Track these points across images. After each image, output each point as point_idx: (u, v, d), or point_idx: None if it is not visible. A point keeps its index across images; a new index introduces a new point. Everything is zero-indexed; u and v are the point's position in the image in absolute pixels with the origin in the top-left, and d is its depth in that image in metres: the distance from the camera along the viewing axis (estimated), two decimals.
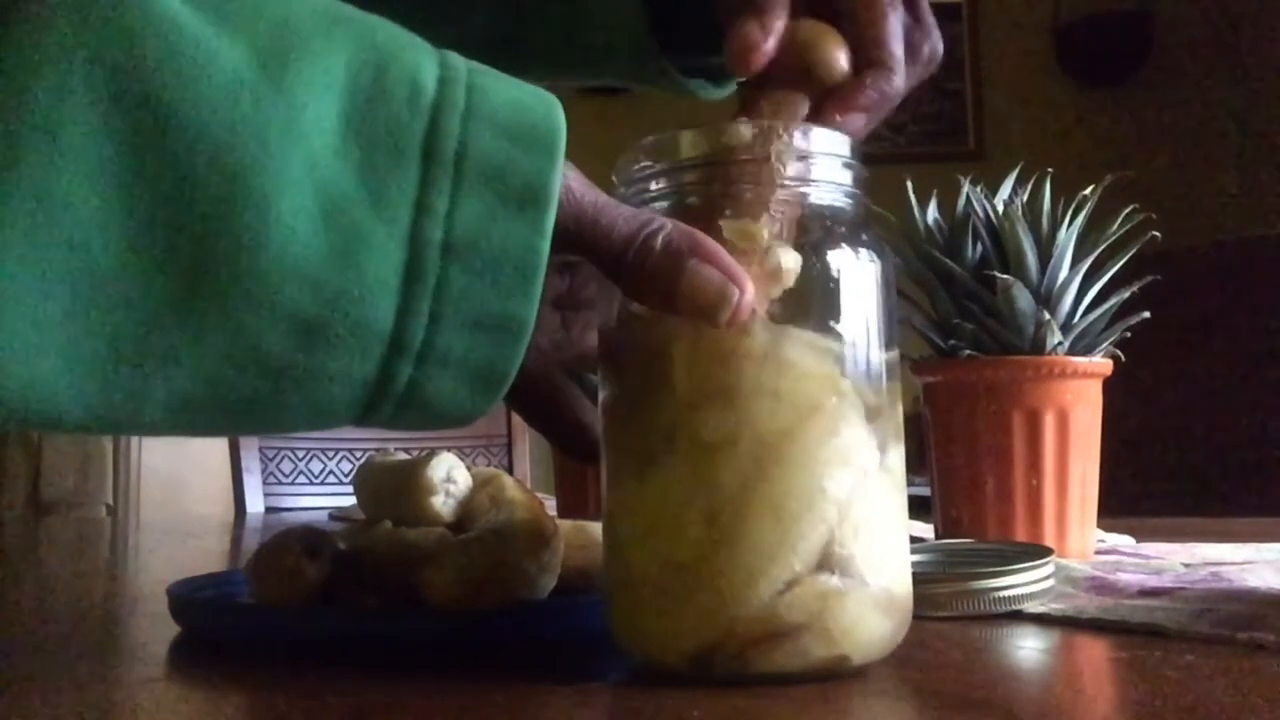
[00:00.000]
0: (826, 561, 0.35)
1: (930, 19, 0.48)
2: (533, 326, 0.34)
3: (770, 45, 0.43)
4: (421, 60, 0.34)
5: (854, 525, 0.35)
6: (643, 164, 0.38)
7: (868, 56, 0.44)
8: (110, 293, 0.30)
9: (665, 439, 0.36)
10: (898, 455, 0.38)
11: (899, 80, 0.44)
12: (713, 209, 0.37)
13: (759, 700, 0.33)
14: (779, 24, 0.44)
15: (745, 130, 0.37)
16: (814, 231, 0.37)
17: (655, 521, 0.36)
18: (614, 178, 0.39)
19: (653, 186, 0.38)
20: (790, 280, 0.36)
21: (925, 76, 0.47)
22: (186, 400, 0.32)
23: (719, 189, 0.37)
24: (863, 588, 0.35)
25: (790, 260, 0.36)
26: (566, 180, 0.35)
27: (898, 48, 0.45)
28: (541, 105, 0.34)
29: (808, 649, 0.34)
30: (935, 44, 0.47)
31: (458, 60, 0.34)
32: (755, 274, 0.36)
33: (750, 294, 0.35)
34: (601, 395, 0.39)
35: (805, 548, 0.34)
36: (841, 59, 0.44)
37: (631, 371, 0.38)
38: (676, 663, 0.35)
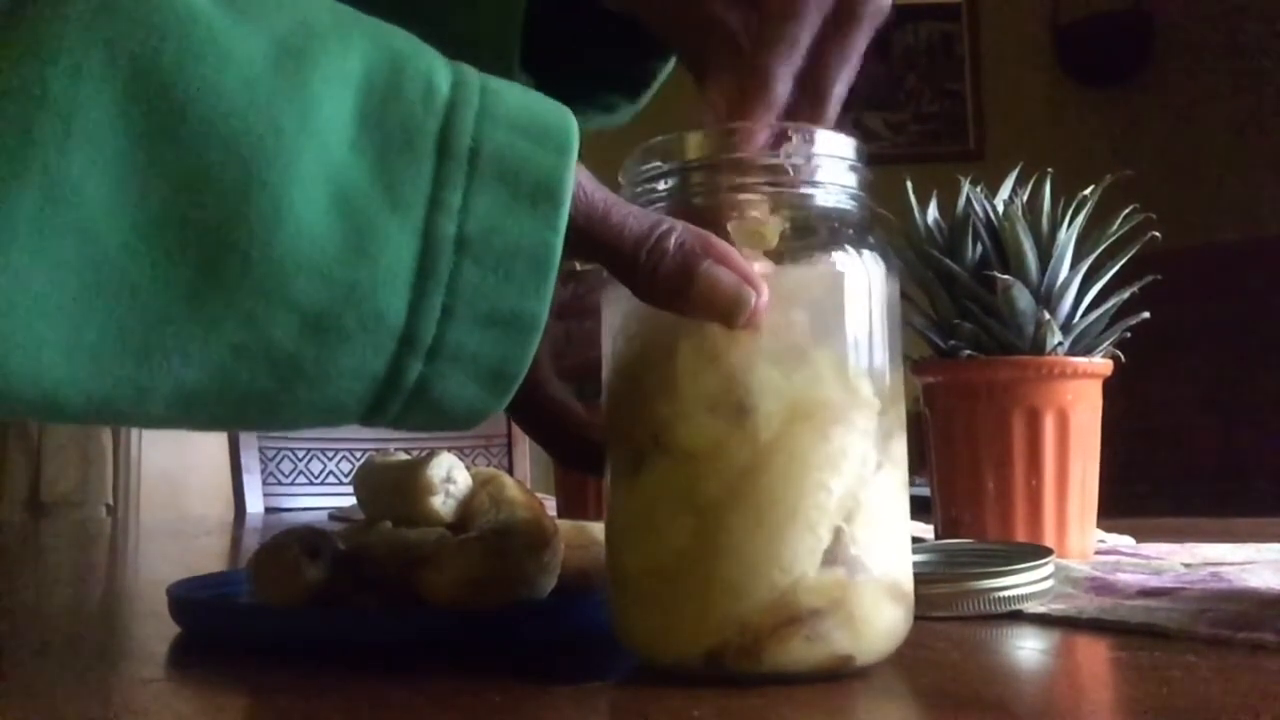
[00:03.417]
0: (839, 558, 0.35)
1: None
2: (545, 324, 0.34)
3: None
4: (436, 63, 0.34)
5: (865, 522, 0.35)
6: (649, 165, 0.38)
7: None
8: (118, 282, 0.30)
9: (654, 440, 0.36)
10: (901, 450, 0.38)
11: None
12: (719, 210, 0.37)
13: (760, 699, 0.33)
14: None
15: (753, 132, 0.37)
16: (820, 233, 0.37)
17: (644, 522, 0.36)
18: (620, 178, 0.39)
19: (659, 187, 0.38)
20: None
21: (876, 25, 0.46)
22: (193, 393, 0.32)
23: (726, 190, 0.37)
24: (876, 583, 0.35)
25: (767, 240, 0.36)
26: (577, 179, 0.34)
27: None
28: (554, 107, 0.35)
29: (828, 635, 0.34)
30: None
31: (470, 68, 0.35)
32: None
33: (766, 296, 0.35)
34: (605, 380, 0.39)
35: (790, 557, 0.34)
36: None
37: (634, 366, 0.38)
38: (685, 661, 0.35)
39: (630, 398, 0.37)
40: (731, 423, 0.35)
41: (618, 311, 0.38)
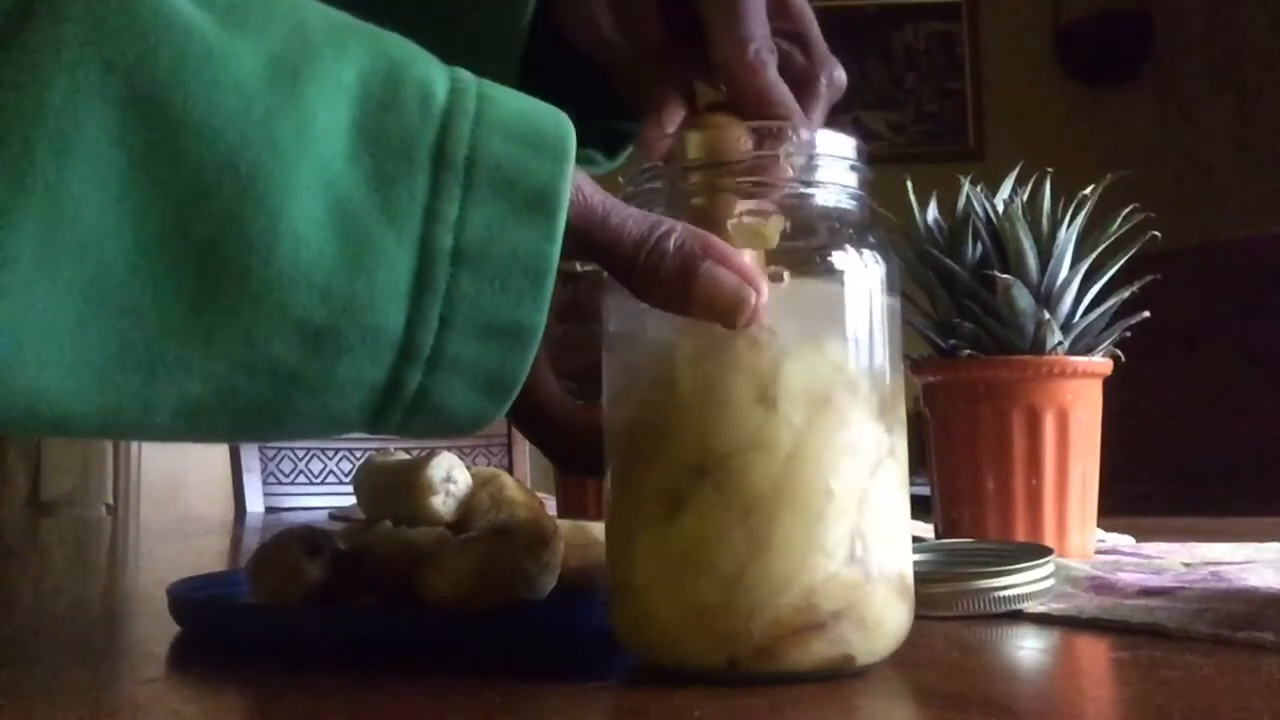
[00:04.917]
0: (851, 554, 0.35)
1: (823, 49, 0.46)
2: (542, 333, 0.34)
3: (670, 132, 0.44)
4: (432, 71, 0.34)
5: (873, 516, 0.35)
6: (650, 165, 0.38)
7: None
8: (120, 299, 0.30)
9: (699, 473, 0.35)
10: (902, 449, 0.38)
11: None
12: (719, 210, 0.37)
13: (763, 699, 0.33)
14: (676, 118, 0.44)
15: (753, 131, 0.37)
16: (820, 233, 0.37)
17: (692, 556, 0.35)
18: (620, 179, 0.39)
19: (659, 187, 0.38)
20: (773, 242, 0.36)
21: (833, 101, 0.46)
22: (195, 407, 0.32)
23: (726, 190, 0.37)
24: (887, 580, 0.36)
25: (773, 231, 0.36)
26: (575, 182, 0.34)
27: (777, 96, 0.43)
28: (551, 114, 0.35)
29: (845, 637, 0.34)
30: (833, 72, 0.46)
31: (467, 73, 0.34)
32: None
33: (765, 295, 0.35)
34: (611, 431, 0.38)
35: (832, 542, 0.35)
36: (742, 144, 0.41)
37: (649, 422, 0.37)
38: (704, 666, 0.35)
39: (652, 451, 0.36)
40: (766, 416, 0.35)
41: (618, 346, 0.38)
